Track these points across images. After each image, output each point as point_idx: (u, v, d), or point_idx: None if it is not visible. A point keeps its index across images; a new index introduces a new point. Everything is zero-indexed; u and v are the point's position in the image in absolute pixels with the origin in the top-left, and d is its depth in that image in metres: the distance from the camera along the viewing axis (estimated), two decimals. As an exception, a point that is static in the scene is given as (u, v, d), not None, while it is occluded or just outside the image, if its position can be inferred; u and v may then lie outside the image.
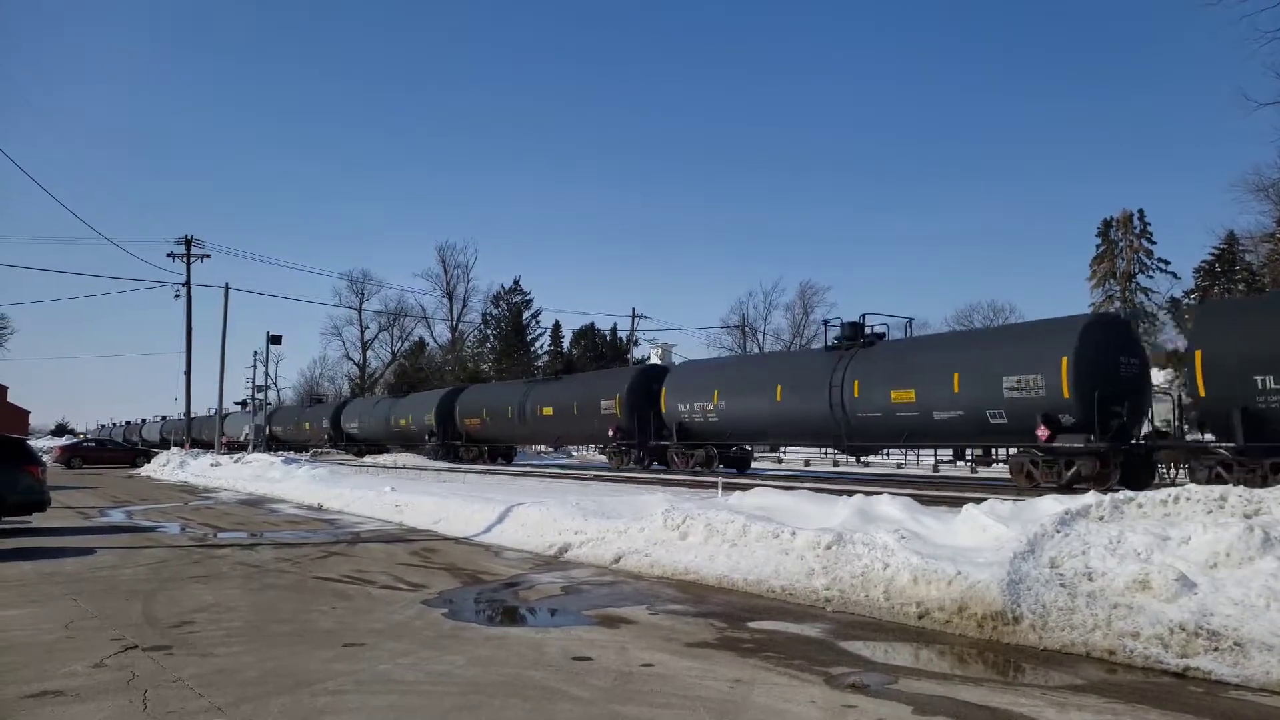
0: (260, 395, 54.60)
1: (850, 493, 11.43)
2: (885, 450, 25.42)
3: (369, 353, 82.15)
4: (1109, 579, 6.70)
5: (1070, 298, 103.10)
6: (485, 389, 42.71)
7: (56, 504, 16.40)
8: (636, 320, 65.61)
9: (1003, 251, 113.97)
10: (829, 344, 23.12)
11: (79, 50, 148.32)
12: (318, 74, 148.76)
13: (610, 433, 29.27)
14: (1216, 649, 5.68)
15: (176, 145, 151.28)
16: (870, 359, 21.24)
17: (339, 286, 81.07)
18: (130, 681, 5.41)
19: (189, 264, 46.05)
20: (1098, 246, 65.27)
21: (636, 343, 66.50)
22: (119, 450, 48.69)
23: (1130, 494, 8.33)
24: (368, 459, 43.56)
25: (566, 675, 5.58)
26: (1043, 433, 16.89)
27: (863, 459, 25.79)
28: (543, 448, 44.50)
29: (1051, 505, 8.67)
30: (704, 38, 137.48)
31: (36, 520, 14.77)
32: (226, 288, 45.69)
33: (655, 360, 42.58)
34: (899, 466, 32.17)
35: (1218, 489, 8.00)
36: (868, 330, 22.41)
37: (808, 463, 36.54)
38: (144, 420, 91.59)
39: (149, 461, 41.62)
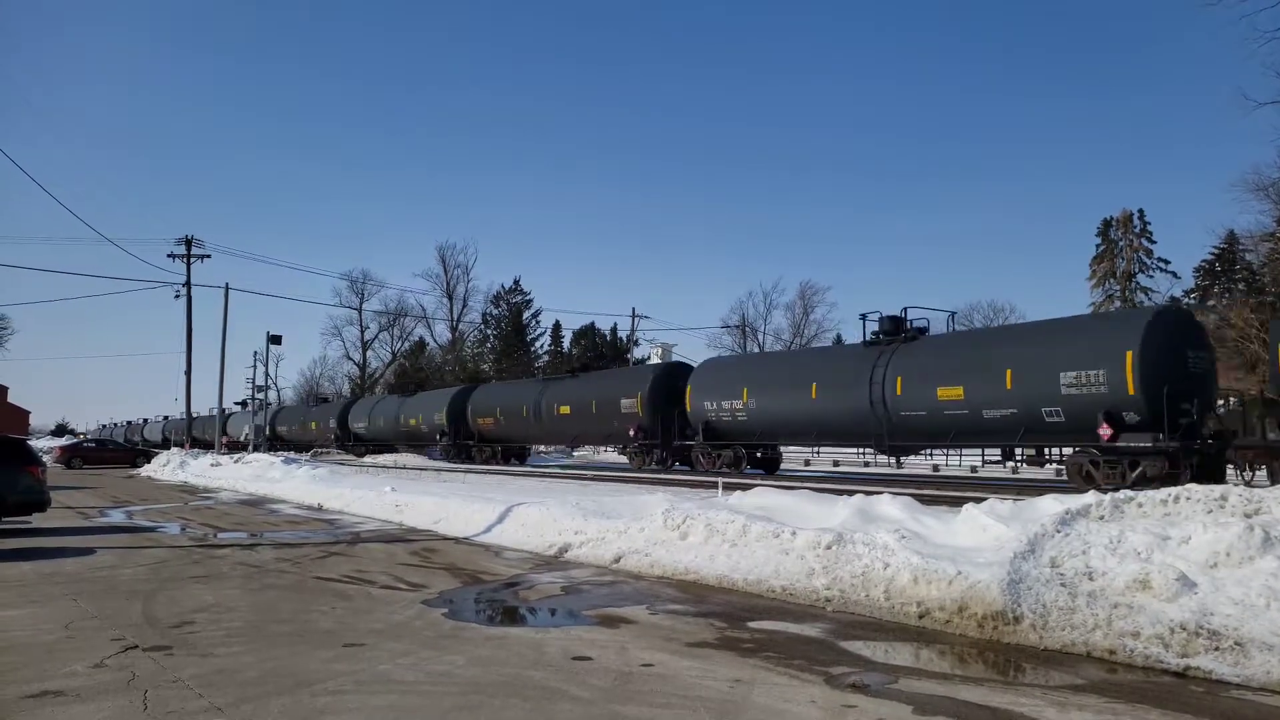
0: (260, 395, 54.64)
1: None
2: (927, 451, 24.19)
3: (369, 353, 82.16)
4: (1109, 578, 6.69)
5: (1070, 298, 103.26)
6: (499, 387, 41.57)
7: (56, 504, 16.40)
8: (636, 320, 65.67)
9: (1003, 251, 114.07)
10: (867, 339, 21.97)
11: (79, 50, 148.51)
12: (318, 74, 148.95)
13: (631, 432, 28.24)
14: (1217, 648, 5.68)
15: (176, 145, 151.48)
16: (913, 354, 20.16)
17: (339, 286, 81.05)
18: (130, 682, 5.40)
19: (189, 264, 46.16)
20: (1098, 246, 65.24)
21: (636, 343, 66.55)
22: (119, 450, 48.69)
23: (1130, 493, 8.33)
24: (368, 459, 43.46)
25: (566, 675, 5.57)
26: (1105, 432, 16.06)
27: (901, 460, 24.23)
28: (546, 448, 44.03)
29: (1052, 505, 8.66)
30: (704, 38, 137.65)
31: (36, 520, 14.77)
32: (226, 288, 45.78)
33: (655, 360, 42.58)
34: (936, 469, 30.14)
35: (1218, 489, 8.00)
36: (908, 324, 21.29)
37: (836, 463, 34.75)
38: (145, 420, 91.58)
39: (149, 462, 41.63)
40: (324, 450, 50.59)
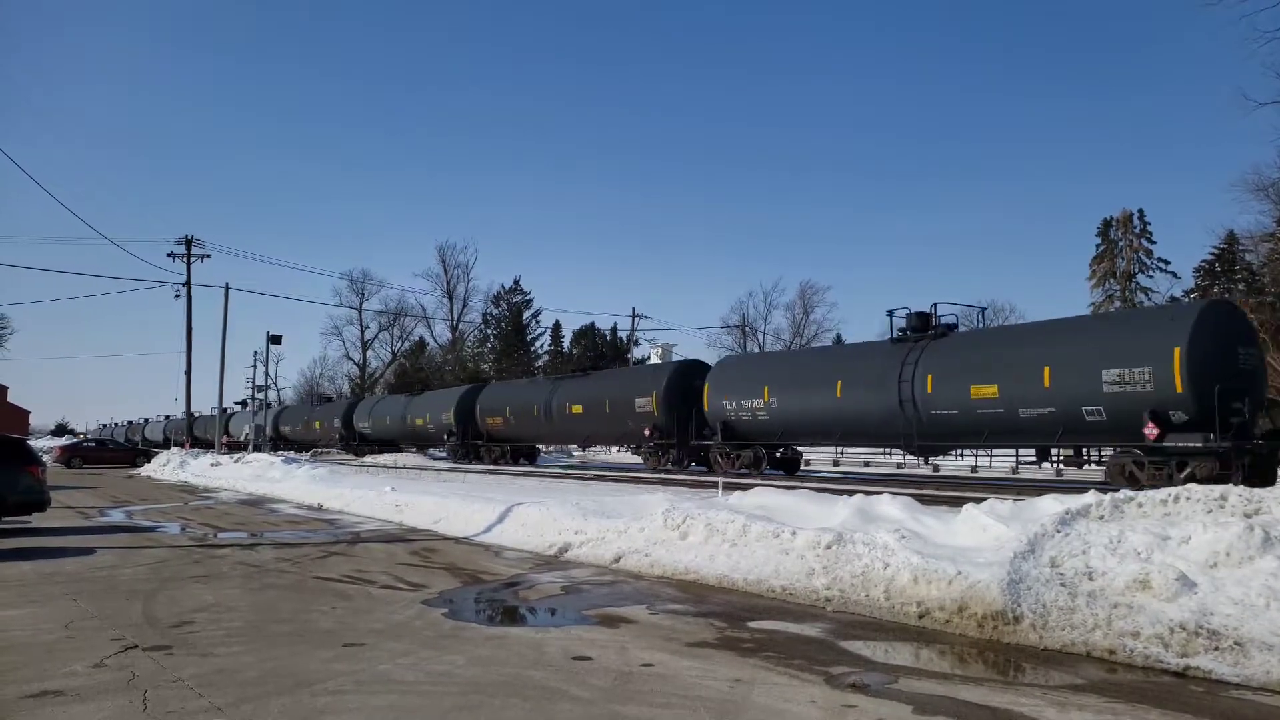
0: (260, 395, 54.65)
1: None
2: (959, 451, 23.32)
3: (369, 353, 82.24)
4: (1109, 578, 6.70)
5: (1070, 298, 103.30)
6: (508, 386, 40.59)
7: (56, 504, 16.40)
8: (636, 320, 65.69)
9: (1003, 251, 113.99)
10: (895, 335, 21.26)
11: (79, 50, 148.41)
12: (318, 74, 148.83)
13: (646, 432, 27.50)
14: (1217, 648, 5.68)
15: (176, 145, 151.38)
16: (945, 351, 19.50)
17: (339, 286, 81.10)
18: (130, 681, 5.41)
19: (189, 264, 46.12)
20: (1098, 246, 65.25)
21: (636, 342, 66.55)
22: (119, 450, 48.71)
23: (1130, 493, 8.33)
24: (368, 459, 43.42)
25: (566, 675, 5.58)
26: (1151, 431, 15.43)
27: (931, 460, 23.55)
28: (547, 448, 43.70)
29: (1051, 505, 8.66)
30: (704, 38, 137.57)
31: (36, 520, 14.77)
32: (226, 288, 45.77)
33: (655, 360, 42.52)
34: (973, 470, 28.65)
35: (1218, 488, 8.00)
36: (936, 320, 20.70)
37: (866, 464, 33.84)
38: (146, 420, 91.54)
39: (149, 461, 41.63)
40: (324, 450, 50.55)
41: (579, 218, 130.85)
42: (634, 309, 73.45)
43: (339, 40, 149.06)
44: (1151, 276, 63.78)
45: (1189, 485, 8.23)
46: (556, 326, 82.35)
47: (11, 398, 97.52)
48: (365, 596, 8.45)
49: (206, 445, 50.56)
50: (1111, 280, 63.99)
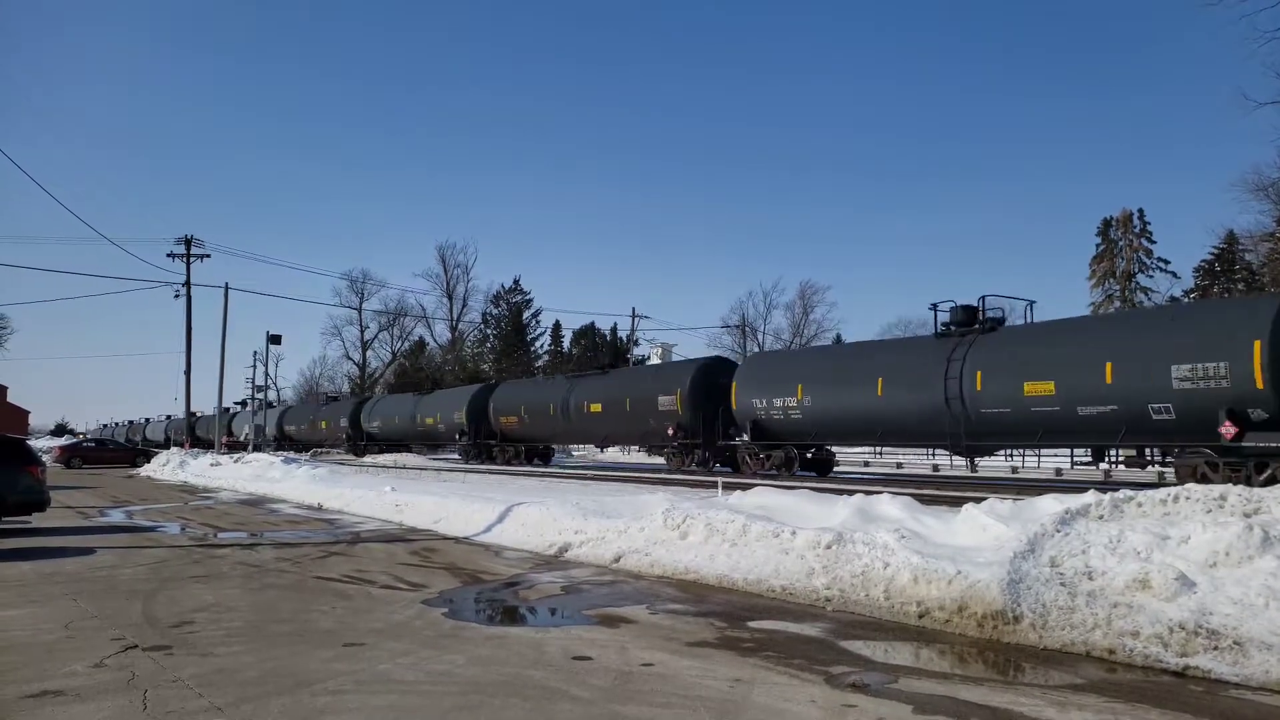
0: (260, 395, 54.64)
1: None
2: (1008, 452, 22.36)
3: (369, 352, 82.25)
4: (1109, 578, 6.70)
5: (1070, 298, 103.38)
6: (523, 384, 39.81)
7: (56, 504, 16.40)
8: (636, 320, 65.69)
9: (1003, 251, 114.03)
10: (939, 330, 20.36)
11: (79, 50, 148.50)
12: (318, 74, 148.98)
13: (670, 431, 26.51)
14: (1216, 648, 5.68)
15: (176, 145, 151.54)
16: (995, 346, 18.58)
17: (339, 286, 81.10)
18: (130, 681, 5.41)
19: (189, 264, 46.09)
20: (1098, 246, 65.31)
21: (636, 342, 66.58)
22: (119, 450, 48.70)
23: (1130, 493, 8.33)
24: (368, 458, 43.35)
25: (567, 675, 5.58)
26: (1228, 430, 14.56)
27: (977, 461, 22.23)
28: (561, 448, 42.93)
29: (1051, 504, 8.66)
30: (704, 38, 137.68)
31: (36, 520, 14.77)
32: (226, 288, 45.78)
33: (655, 360, 42.47)
34: (1014, 470, 27.39)
35: (1217, 488, 8.00)
36: (983, 314, 19.79)
37: (900, 465, 32.59)
38: (148, 420, 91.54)
39: (149, 461, 41.63)
40: (323, 450, 50.52)
41: (579, 218, 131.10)
42: (634, 309, 73.59)
43: (339, 40, 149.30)
44: (1151, 276, 63.91)
45: (1188, 485, 8.23)
46: (556, 326, 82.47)
47: (11, 398, 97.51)
48: (365, 596, 8.45)
49: (208, 445, 50.52)
50: (1111, 280, 64.06)
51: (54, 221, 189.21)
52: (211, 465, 34.83)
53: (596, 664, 5.86)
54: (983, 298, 19.97)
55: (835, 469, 25.70)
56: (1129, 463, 18.18)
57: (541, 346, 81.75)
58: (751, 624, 7.19)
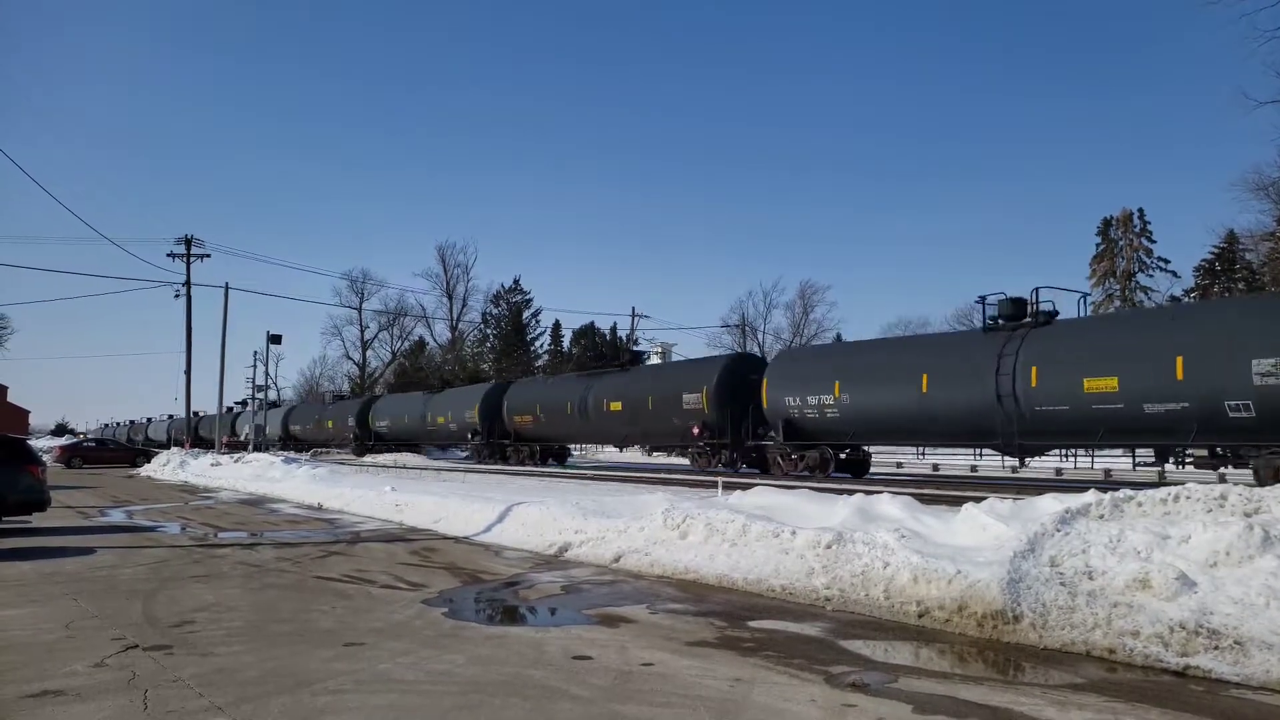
0: (260, 395, 54.63)
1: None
2: (1061, 453, 21.44)
3: (369, 352, 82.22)
4: (1109, 578, 6.70)
5: (1070, 297, 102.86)
6: (539, 382, 38.53)
7: (56, 504, 16.39)
8: (636, 320, 65.71)
9: (1003, 251, 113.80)
10: (987, 323, 19.52)
11: (79, 50, 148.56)
12: (318, 74, 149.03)
13: (695, 431, 25.45)
14: (1216, 647, 5.68)
15: (176, 145, 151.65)
16: (1050, 340, 17.69)
17: (339, 286, 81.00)
18: (131, 681, 5.41)
19: (189, 264, 46.09)
20: (1098, 245, 65.26)
21: (636, 342, 66.49)
22: (119, 450, 48.72)
23: (1130, 492, 8.33)
24: (368, 458, 43.29)
25: (567, 674, 5.58)
26: None
27: (1026, 462, 21.21)
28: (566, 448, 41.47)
29: (1051, 504, 8.66)
30: (704, 38, 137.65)
31: (36, 520, 14.77)
32: (226, 287, 45.76)
33: (655, 360, 42.42)
34: (1058, 473, 26.14)
35: (1218, 488, 8.00)
36: (1035, 306, 18.93)
37: (937, 467, 31.34)
38: (149, 419, 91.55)
39: (149, 461, 41.64)
40: (324, 450, 50.48)
41: (579, 218, 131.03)
42: (634, 309, 73.61)
43: (339, 40, 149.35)
44: (1152, 276, 63.86)
45: (1188, 485, 8.22)
46: (556, 326, 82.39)
47: (11, 398, 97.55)
48: (365, 596, 8.45)
49: (210, 445, 50.50)
50: (1111, 279, 64.00)
51: (54, 221, 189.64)
52: (212, 465, 34.83)
53: (596, 663, 5.86)
54: (1036, 289, 19.09)
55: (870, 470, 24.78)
56: (1199, 464, 17.04)
57: (541, 346, 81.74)
58: (751, 624, 7.19)
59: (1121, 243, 64.48)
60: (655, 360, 41.45)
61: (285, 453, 44.63)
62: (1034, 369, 17.47)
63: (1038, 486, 15.69)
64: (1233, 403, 14.79)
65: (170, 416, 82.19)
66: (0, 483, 13.55)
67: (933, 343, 23.73)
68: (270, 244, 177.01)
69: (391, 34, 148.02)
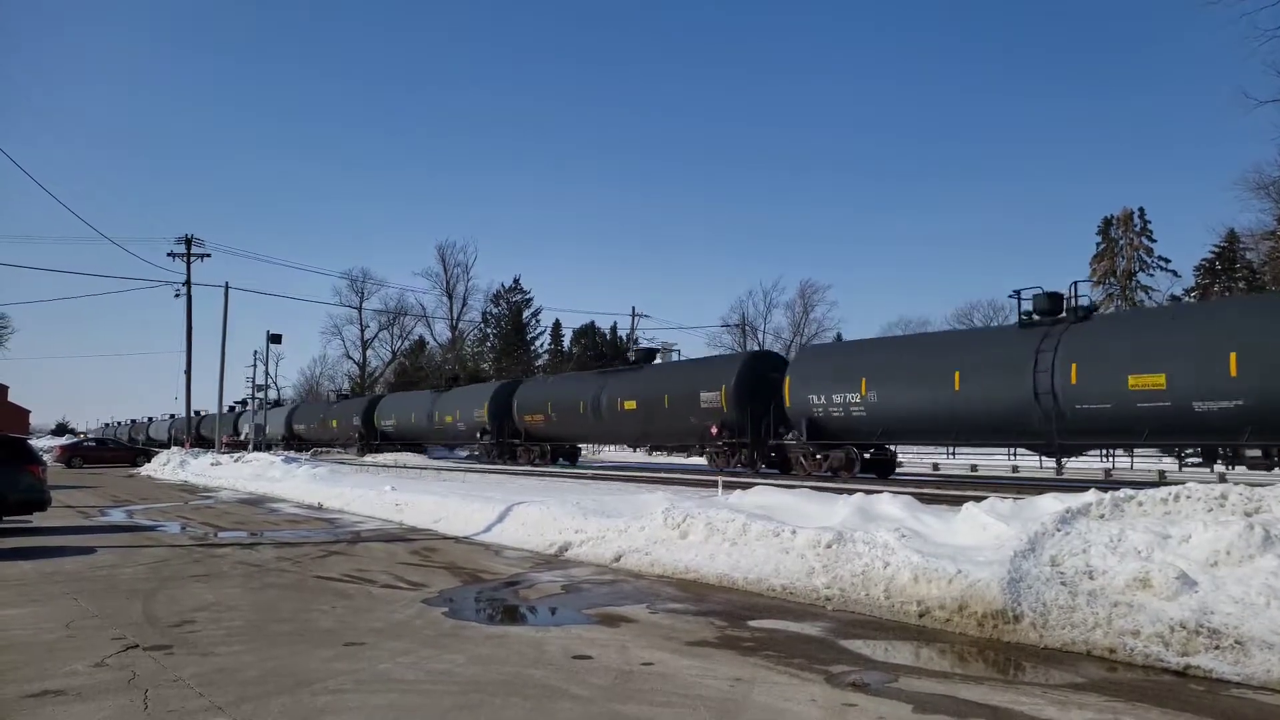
0: (260, 394, 54.62)
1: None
2: (1103, 452, 20.54)
3: (369, 352, 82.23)
4: (1110, 577, 6.69)
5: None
6: (550, 381, 37.98)
7: (57, 503, 16.40)
8: (636, 319, 65.71)
9: (1003, 251, 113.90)
10: (1023, 318, 18.86)
11: (79, 50, 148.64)
12: (318, 74, 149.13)
13: (714, 430, 24.85)
14: (1217, 647, 5.68)
15: (176, 145, 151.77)
16: (1091, 335, 17.05)
17: (339, 286, 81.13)
18: (131, 681, 5.40)
19: (189, 263, 46.13)
20: (1098, 245, 65.22)
21: (636, 341, 66.41)
22: (119, 449, 48.73)
23: (1131, 492, 8.32)
24: (368, 458, 43.26)
25: (567, 674, 5.58)
26: None
27: (1064, 463, 20.32)
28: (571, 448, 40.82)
29: (1052, 504, 8.66)
30: (704, 38, 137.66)
31: (37, 519, 14.77)
32: (226, 287, 45.78)
33: (655, 360, 42.35)
34: (1107, 473, 24.69)
35: (1218, 487, 7.99)
36: (1074, 301, 18.32)
37: (974, 468, 30.23)
38: (150, 419, 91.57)
39: (149, 461, 41.64)
40: (324, 449, 50.46)
41: (579, 218, 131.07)
42: (634, 308, 73.69)
43: (339, 40, 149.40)
44: (1152, 275, 63.85)
45: (1189, 484, 8.22)
46: (556, 326, 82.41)
47: (12, 397, 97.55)
48: (365, 596, 8.45)
49: (211, 444, 50.50)
50: (1112, 279, 63.97)
51: (54, 221, 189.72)
52: (212, 465, 34.83)
53: (597, 663, 5.86)
54: (1074, 283, 18.56)
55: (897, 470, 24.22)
56: (1252, 464, 16.31)
57: (541, 346, 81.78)
58: (752, 623, 7.18)
59: (1122, 242, 64.45)
60: (657, 360, 41.39)
61: (285, 452, 44.62)
62: (1074, 365, 16.81)
63: (1038, 486, 15.69)
64: None
65: (171, 416, 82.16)
66: (1, 482, 13.56)
67: (966, 339, 22.97)
68: (270, 244, 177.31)
69: (391, 34, 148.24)
